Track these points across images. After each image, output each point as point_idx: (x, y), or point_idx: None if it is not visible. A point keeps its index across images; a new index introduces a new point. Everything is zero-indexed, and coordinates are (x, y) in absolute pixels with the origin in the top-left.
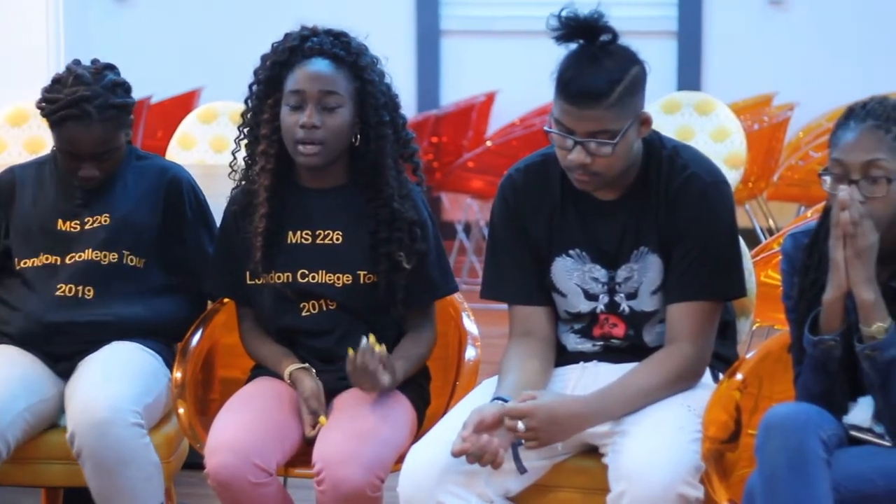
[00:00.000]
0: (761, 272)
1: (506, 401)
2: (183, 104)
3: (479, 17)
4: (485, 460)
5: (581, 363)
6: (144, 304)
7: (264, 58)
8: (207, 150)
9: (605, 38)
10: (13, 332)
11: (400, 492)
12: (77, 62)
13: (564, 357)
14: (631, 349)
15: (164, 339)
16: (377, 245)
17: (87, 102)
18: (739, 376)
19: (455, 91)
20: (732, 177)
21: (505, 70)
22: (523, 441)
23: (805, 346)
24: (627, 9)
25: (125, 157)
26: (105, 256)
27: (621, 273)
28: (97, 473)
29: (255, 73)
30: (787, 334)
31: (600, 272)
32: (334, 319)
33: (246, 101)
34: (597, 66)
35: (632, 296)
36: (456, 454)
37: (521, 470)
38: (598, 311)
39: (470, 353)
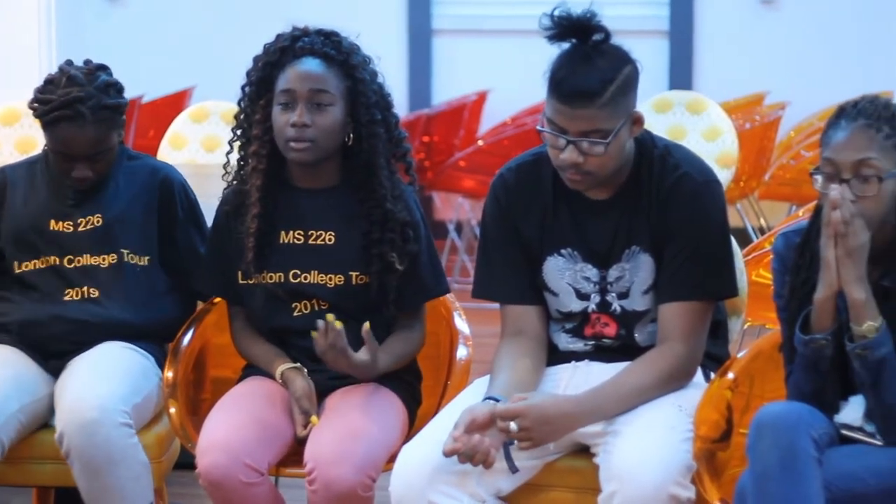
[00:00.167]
0: (753, 271)
1: (497, 400)
2: (174, 103)
3: (470, 17)
4: (476, 460)
5: (573, 362)
6: (140, 304)
7: (256, 59)
8: (199, 150)
9: (597, 37)
10: (11, 328)
11: (391, 491)
12: (70, 63)
13: (556, 356)
14: (622, 349)
15: (156, 339)
16: (369, 246)
17: (81, 103)
18: (731, 375)
19: (446, 90)
20: (724, 176)
21: (496, 69)
22: (515, 441)
23: (796, 346)
24: (619, 8)
25: (117, 157)
26: (104, 259)
27: (613, 272)
28: (85, 473)
29: (248, 74)
30: (779, 333)
31: (592, 271)
32: None
33: (238, 103)
34: (589, 66)
35: (623, 295)
36: (447, 454)
37: (513, 469)
38: (589, 310)
39: (461, 352)
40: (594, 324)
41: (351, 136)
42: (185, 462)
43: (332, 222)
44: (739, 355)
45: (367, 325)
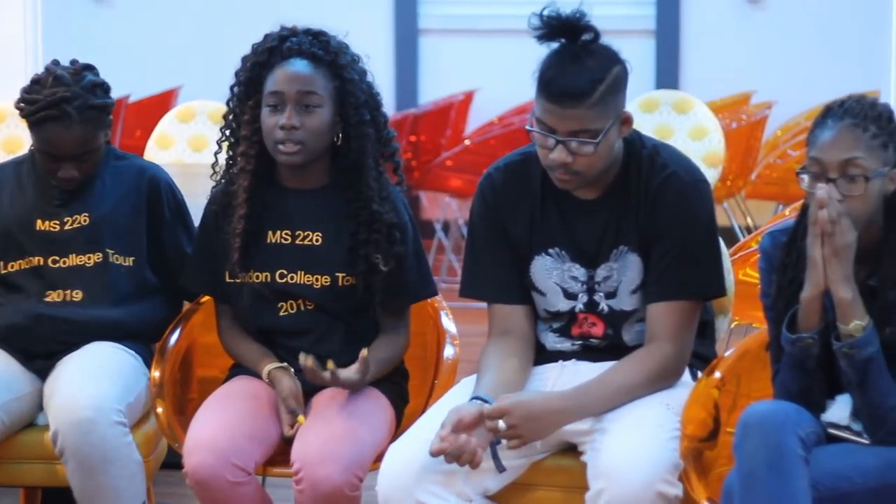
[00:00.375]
0: (739, 270)
1: (484, 400)
2: (161, 103)
3: (457, 16)
4: (463, 460)
5: (560, 362)
6: (126, 305)
7: (244, 59)
8: (185, 149)
9: (587, 37)
10: None
11: (378, 491)
12: (56, 63)
13: (543, 356)
14: (610, 348)
15: (142, 339)
16: (356, 247)
17: (67, 103)
18: (718, 374)
19: (433, 90)
20: (711, 175)
21: (483, 69)
22: (502, 440)
23: (783, 344)
24: (605, 7)
25: (103, 156)
26: (90, 259)
27: (600, 272)
28: (80, 472)
29: (236, 74)
30: (766, 332)
31: (579, 271)
32: (312, 320)
33: (227, 102)
34: (579, 66)
35: (611, 295)
36: (434, 454)
37: (500, 469)
38: (577, 310)
39: (448, 351)
40: (581, 323)
41: (340, 136)
42: (173, 462)
43: (319, 223)
44: (726, 354)
45: (365, 351)
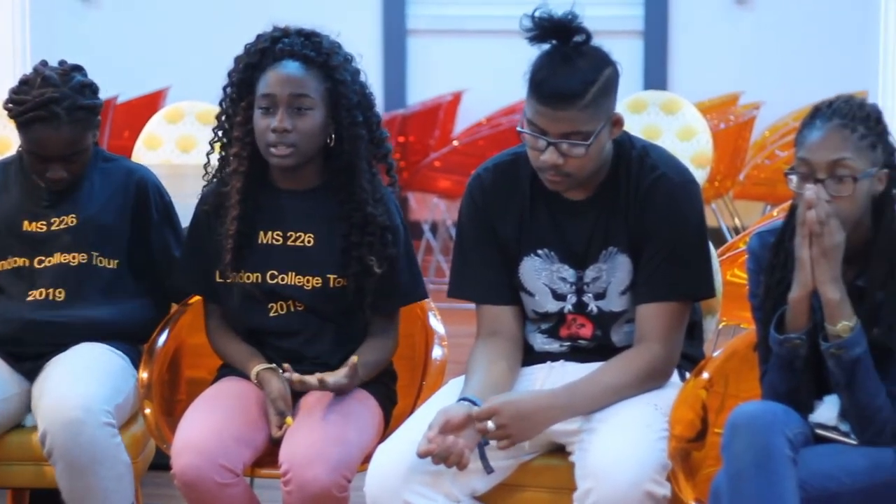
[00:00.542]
0: (727, 271)
1: (472, 401)
2: (149, 104)
3: (445, 17)
4: (450, 461)
5: (548, 363)
6: (112, 306)
7: (237, 59)
8: (174, 150)
9: (578, 38)
10: None
11: (366, 491)
12: (44, 63)
13: (531, 357)
14: (598, 349)
15: (130, 340)
16: (349, 249)
17: (56, 104)
18: (706, 375)
19: (422, 90)
20: (699, 176)
21: (472, 70)
22: (490, 441)
23: (771, 345)
24: (593, 8)
25: (91, 157)
26: (74, 258)
27: (590, 273)
28: (69, 473)
29: (229, 74)
30: (753, 333)
31: (568, 272)
32: (302, 321)
33: (220, 103)
34: (571, 67)
35: (600, 296)
36: (421, 455)
37: (488, 470)
38: (565, 311)
39: (437, 352)
40: (570, 325)
41: (332, 137)
42: (161, 463)
43: (311, 224)
44: (714, 355)
45: (355, 358)
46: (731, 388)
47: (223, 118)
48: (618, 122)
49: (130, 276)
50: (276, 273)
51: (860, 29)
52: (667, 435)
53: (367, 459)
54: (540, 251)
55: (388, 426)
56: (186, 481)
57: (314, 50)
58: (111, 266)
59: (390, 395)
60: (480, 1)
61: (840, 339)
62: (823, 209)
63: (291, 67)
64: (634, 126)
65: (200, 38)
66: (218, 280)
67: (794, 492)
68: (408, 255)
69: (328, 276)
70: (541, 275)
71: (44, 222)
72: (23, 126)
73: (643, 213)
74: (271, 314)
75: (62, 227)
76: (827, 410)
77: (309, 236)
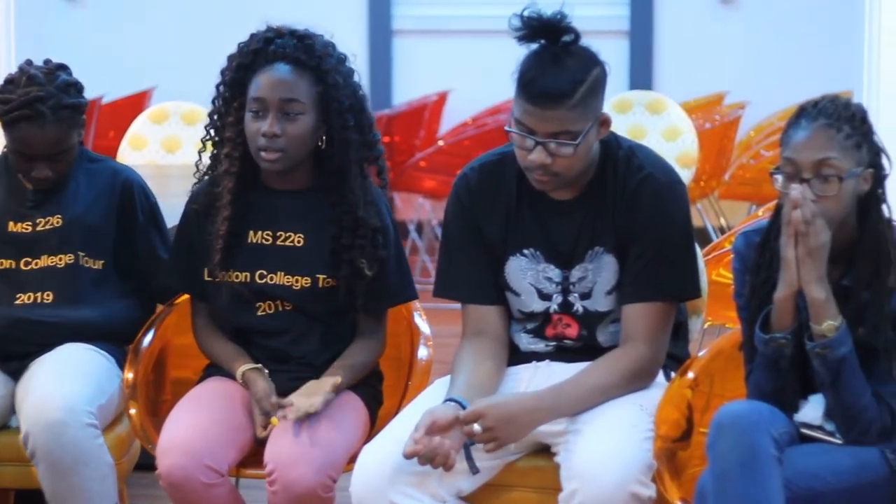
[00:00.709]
0: (713, 271)
1: (458, 401)
2: (134, 104)
3: (431, 17)
4: (436, 462)
5: (534, 363)
6: (98, 306)
7: (230, 58)
8: (159, 151)
9: (567, 38)
10: None
11: (352, 492)
12: (29, 62)
13: (517, 357)
14: (584, 349)
15: (115, 341)
16: (339, 251)
17: (41, 103)
18: (691, 375)
19: (407, 90)
20: (684, 176)
21: (457, 70)
22: (476, 443)
23: (756, 345)
24: (579, 8)
25: (77, 158)
26: (61, 259)
27: (575, 273)
28: (51, 474)
29: (222, 73)
30: (739, 332)
31: (554, 272)
32: (289, 320)
33: (213, 101)
34: (559, 67)
35: (586, 296)
36: (407, 456)
37: (474, 470)
38: (551, 311)
39: (422, 352)
40: (556, 324)
41: (324, 139)
42: (146, 463)
43: (301, 224)
44: (700, 355)
45: (338, 379)
46: (716, 387)
47: (216, 117)
48: (605, 122)
49: (116, 276)
50: (265, 272)
51: (845, 29)
52: (652, 435)
53: (352, 459)
54: (526, 251)
55: (373, 426)
56: (172, 481)
57: (306, 53)
58: (97, 266)
59: (376, 395)
60: (466, 1)
61: (825, 339)
62: (809, 209)
63: (283, 71)
64: (620, 126)
65: (186, 39)
66: (206, 279)
67: (780, 491)
68: (398, 256)
69: (317, 276)
70: (526, 274)
71: (29, 223)
72: (8, 125)
73: (630, 213)
74: (259, 313)
75: (48, 227)
76: (812, 410)
77: (299, 236)
